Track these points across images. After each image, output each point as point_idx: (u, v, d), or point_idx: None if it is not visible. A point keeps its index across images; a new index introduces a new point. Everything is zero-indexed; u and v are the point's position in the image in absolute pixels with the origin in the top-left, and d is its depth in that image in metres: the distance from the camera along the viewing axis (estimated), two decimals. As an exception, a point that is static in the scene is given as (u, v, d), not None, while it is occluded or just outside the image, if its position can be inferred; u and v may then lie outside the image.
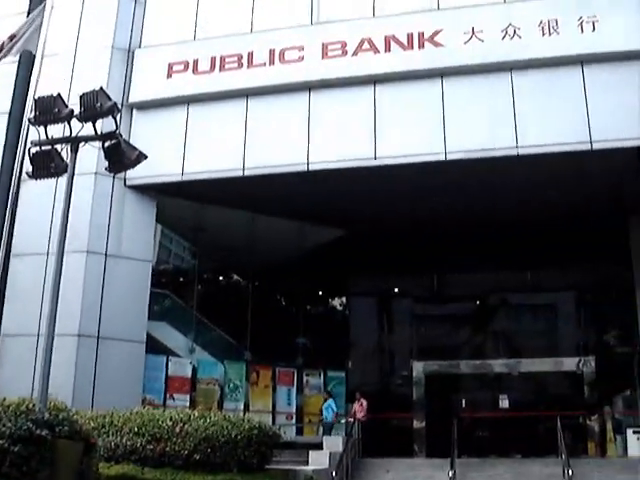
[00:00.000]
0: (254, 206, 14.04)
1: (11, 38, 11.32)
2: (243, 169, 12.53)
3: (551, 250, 16.09)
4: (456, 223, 14.74)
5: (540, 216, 14.22)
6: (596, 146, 11.21)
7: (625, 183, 12.48)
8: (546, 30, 11.88)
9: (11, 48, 11.30)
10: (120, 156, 7.96)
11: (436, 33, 12.25)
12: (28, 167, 8.16)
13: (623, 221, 14.20)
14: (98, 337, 11.93)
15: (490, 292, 18.90)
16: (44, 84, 11.12)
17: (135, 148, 8.09)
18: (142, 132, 12.97)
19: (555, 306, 19.16)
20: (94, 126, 7.77)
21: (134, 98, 13.36)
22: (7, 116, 11.76)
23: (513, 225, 14.66)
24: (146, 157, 8.11)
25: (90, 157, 9.25)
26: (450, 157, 11.70)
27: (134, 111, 13.43)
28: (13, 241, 11.22)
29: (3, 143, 11.57)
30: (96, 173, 12.17)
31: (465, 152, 11.71)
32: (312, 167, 12.24)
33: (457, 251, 16.21)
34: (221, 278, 19.49)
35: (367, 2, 12.97)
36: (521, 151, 11.48)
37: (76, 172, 7.89)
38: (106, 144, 7.87)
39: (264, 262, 16.97)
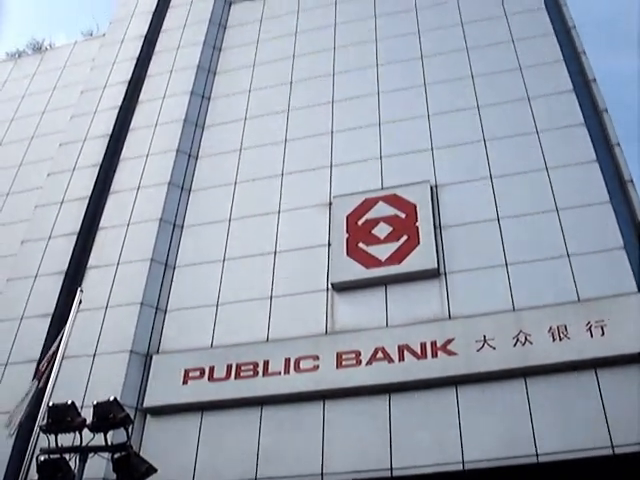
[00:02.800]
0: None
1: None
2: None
3: None
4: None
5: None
6: (618, 451, 11.30)
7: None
8: (556, 335, 12.62)
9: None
10: (129, 468, 8.26)
11: (449, 342, 13.07)
12: (32, 474, 8.45)
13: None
14: None
15: None
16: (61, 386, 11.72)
17: (145, 461, 8.42)
18: (155, 436, 13.30)
19: None
20: (105, 437, 8.18)
21: (149, 403, 13.84)
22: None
23: None
24: (155, 470, 8.38)
25: (99, 463, 9.49)
26: (468, 467, 11.76)
27: (147, 416, 13.85)
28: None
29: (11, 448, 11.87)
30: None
31: (484, 461, 11.78)
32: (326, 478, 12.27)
33: None
34: None
35: (381, 313, 14.03)
36: (541, 459, 11.54)
37: (84, 477, 8.14)
38: (116, 455, 8.21)
39: None
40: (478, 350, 12.81)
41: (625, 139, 16.35)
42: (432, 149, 16.39)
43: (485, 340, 12.90)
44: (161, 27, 22.49)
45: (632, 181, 15.24)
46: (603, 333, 12.42)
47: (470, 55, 18.39)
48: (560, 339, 12.58)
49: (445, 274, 14.20)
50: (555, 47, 17.96)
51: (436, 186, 15.57)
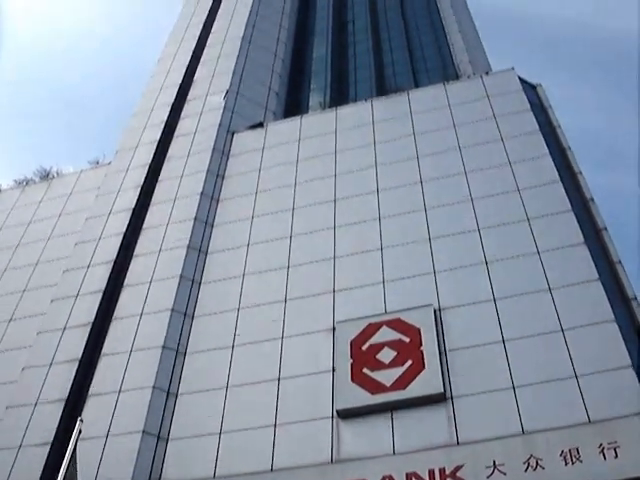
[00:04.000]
0: None
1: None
2: None
3: None
4: None
5: None
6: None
7: None
8: (568, 459, 12.50)
9: None
10: None
11: (458, 468, 12.93)
12: None
13: None
14: None
15: None
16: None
17: None
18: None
19: None
20: None
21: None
22: None
23: None
24: None
25: None
26: None
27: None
28: None
29: None
30: None
31: None
32: None
33: None
34: None
35: (387, 440, 13.92)
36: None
37: None
38: None
39: None
40: (488, 477, 12.67)
41: (626, 256, 16.70)
42: (434, 272, 16.76)
43: (495, 466, 12.78)
44: (165, 156, 23.43)
45: (636, 298, 15.54)
46: (616, 455, 12.32)
47: (469, 178, 19.09)
48: (572, 463, 12.48)
49: (452, 398, 14.23)
50: (552, 168, 18.66)
51: (440, 309, 15.81)
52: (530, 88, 22.60)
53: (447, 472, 12.91)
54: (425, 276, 16.72)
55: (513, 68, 23.04)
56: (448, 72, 31.55)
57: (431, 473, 12.97)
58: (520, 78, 22.49)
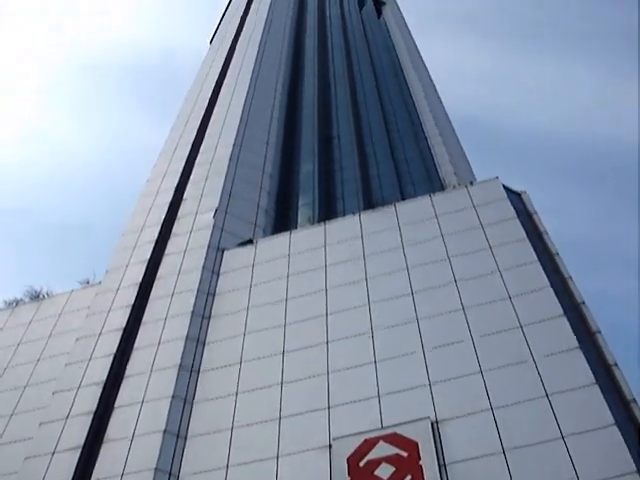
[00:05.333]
0: None
1: None
2: None
3: None
4: None
5: None
6: None
7: None
8: None
9: None
10: None
11: None
12: None
13: None
14: None
15: None
16: None
17: None
18: None
19: None
20: None
21: None
22: None
23: None
24: None
25: None
26: None
27: None
28: None
29: None
30: None
31: None
32: None
33: None
34: None
35: None
36: None
37: None
38: None
39: None
40: None
41: (623, 359, 16.86)
42: (430, 384, 16.73)
43: None
44: (156, 275, 23.70)
45: (635, 400, 15.57)
46: None
47: (459, 288, 19.38)
48: None
49: (453, 514, 14.01)
50: (541, 274, 19.01)
51: (437, 421, 15.71)
52: (515, 195, 23.26)
53: None
54: (421, 388, 16.67)
55: (497, 177, 23.78)
56: (434, 183, 32.50)
57: None
58: (504, 186, 23.19)
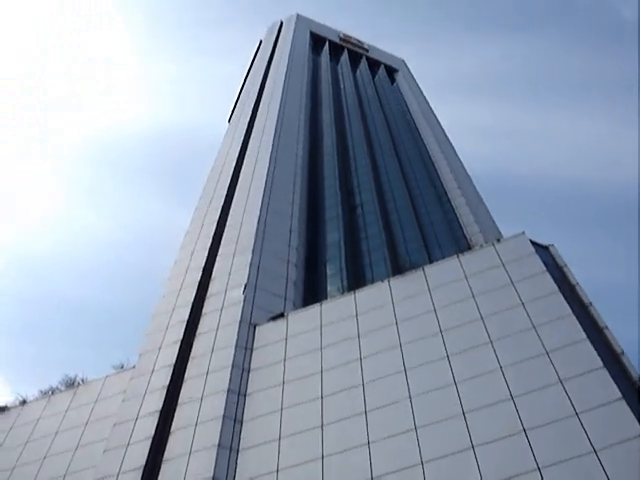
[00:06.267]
0: None
1: None
2: None
3: None
4: None
5: None
6: None
7: None
8: None
9: None
10: None
11: None
12: None
13: None
14: None
15: None
16: None
17: None
18: None
19: None
20: None
21: None
22: None
23: None
24: None
25: None
26: None
27: None
28: None
29: None
30: None
31: None
32: None
33: None
34: None
35: None
36: None
37: None
38: None
39: None
40: None
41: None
42: (473, 447, 16.53)
43: None
44: (189, 355, 23.80)
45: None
46: None
47: (495, 348, 19.24)
48: None
49: None
50: (577, 326, 18.87)
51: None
52: (543, 249, 23.23)
53: None
54: (463, 452, 16.51)
55: (524, 232, 23.74)
56: (460, 243, 32.56)
57: None
58: (531, 241, 23.19)
